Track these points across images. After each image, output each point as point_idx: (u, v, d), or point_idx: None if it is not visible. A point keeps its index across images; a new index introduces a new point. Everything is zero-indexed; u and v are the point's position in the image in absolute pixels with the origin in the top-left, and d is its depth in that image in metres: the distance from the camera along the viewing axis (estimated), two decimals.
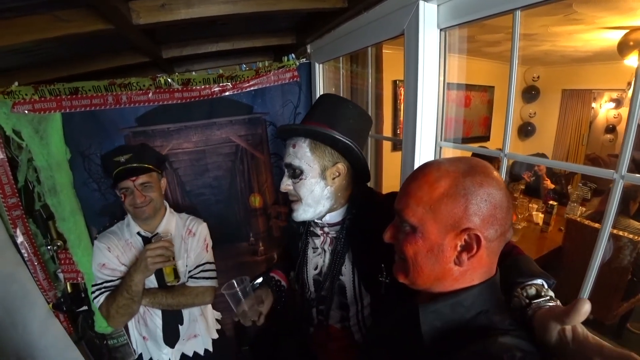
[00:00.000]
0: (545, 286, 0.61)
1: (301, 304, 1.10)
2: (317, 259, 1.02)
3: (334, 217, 0.96)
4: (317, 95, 1.76)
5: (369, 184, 1.04)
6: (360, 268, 0.93)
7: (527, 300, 0.57)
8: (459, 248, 0.54)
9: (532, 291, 0.58)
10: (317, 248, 1.02)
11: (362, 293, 0.95)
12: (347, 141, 0.87)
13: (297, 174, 0.90)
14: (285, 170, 0.93)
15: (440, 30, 1.04)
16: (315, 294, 1.03)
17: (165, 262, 1.20)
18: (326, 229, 0.98)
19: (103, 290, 1.25)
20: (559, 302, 0.56)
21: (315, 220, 0.99)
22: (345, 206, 0.96)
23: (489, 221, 0.52)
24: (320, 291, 1.01)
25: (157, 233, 1.30)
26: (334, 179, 0.91)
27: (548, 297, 0.56)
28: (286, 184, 0.93)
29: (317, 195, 0.90)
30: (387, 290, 0.87)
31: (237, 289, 0.95)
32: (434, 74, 1.06)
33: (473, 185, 0.53)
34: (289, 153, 0.91)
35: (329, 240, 0.99)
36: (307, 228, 1.05)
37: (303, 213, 0.92)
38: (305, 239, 1.05)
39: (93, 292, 1.27)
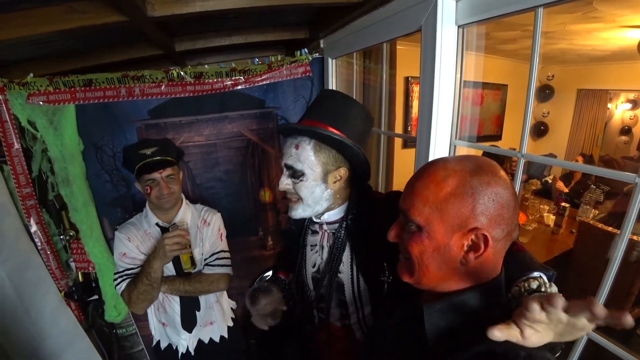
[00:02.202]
0: (545, 278, 0.60)
1: (301, 304, 1.10)
2: (315, 256, 1.01)
3: (332, 215, 0.95)
4: None
5: (379, 181, 1.02)
6: (361, 267, 0.92)
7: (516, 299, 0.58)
8: (465, 248, 0.53)
9: (517, 290, 0.59)
10: (316, 245, 1.00)
11: (360, 291, 0.93)
12: (355, 147, 0.85)
13: (297, 175, 0.87)
14: (285, 169, 0.90)
15: (458, 26, 1.02)
16: (314, 292, 1.02)
17: (182, 250, 1.24)
18: (325, 227, 0.97)
19: (125, 277, 1.31)
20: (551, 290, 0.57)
21: (314, 219, 0.98)
22: (344, 205, 0.95)
23: (497, 221, 0.52)
24: (319, 289, 1.00)
25: (174, 223, 1.33)
26: (335, 182, 0.89)
27: (533, 289, 0.57)
28: (285, 184, 0.90)
29: (317, 196, 0.89)
30: (390, 289, 0.86)
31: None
32: (450, 71, 1.04)
33: (480, 185, 0.52)
34: (291, 154, 0.87)
35: (326, 235, 0.97)
36: (305, 227, 1.04)
37: (302, 212, 0.91)
38: (304, 238, 1.04)
39: (115, 280, 1.33)
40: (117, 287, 1.31)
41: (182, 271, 1.34)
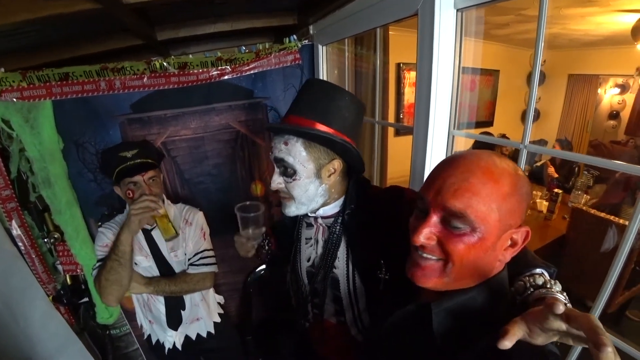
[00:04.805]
0: (547, 275, 0.60)
1: (296, 298, 1.08)
2: (310, 250, 0.98)
3: (328, 210, 0.92)
4: (321, 78, 1.68)
5: (374, 171, 0.99)
6: (356, 263, 0.90)
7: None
8: (506, 245, 0.54)
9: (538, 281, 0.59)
10: (311, 239, 0.98)
11: (356, 287, 0.91)
12: (345, 143, 0.81)
13: (289, 173, 0.83)
14: (275, 165, 0.86)
15: (457, 10, 0.96)
16: (309, 286, 1.01)
17: (150, 212, 1.18)
18: (320, 220, 0.95)
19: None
20: (559, 294, 0.55)
21: (309, 213, 0.95)
22: (340, 199, 0.91)
23: (525, 216, 0.55)
24: (314, 284, 0.98)
25: (156, 226, 1.30)
26: (329, 176, 0.86)
27: (539, 285, 0.57)
28: (277, 183, 0.86)
29: (311, 194, 0.85)
30: (385, 286, 0.83)
31: (252, 214, 1.01)
32: (449, 57, 0.99)
33: (524, 184, 0.53)
34: (281, 149, 0.83)
35: (321, 229, 0.95)
36: (300, 220, 1.01)
37: (296, 210, 0.88)
38: (298, 231, 1.01)
39: (93, 269, 1.29)
40: (93, 275, 1.28)
41: (166, 271, 1.34)
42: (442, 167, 0.55)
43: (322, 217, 0.93)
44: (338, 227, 0.91)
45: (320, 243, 0.95)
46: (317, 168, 0.84)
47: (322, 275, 0.94)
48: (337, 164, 0.85)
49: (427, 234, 0.54)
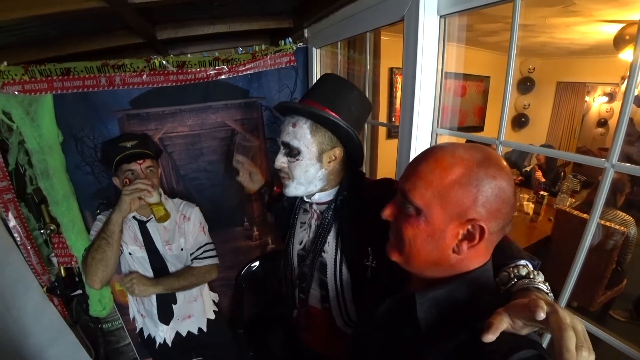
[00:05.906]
0: (531, 267, 0.62)
1: (285, 284, 1.13)
2: (303, 234, 1.04)
3: (323, 197, 0.98)
4: (314, 81, 1.73)
5: (364, 171, 1.05)
6: (345, 249, 0.95)
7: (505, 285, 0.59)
8: (460, 236, 0.54)
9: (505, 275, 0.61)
10: (305, 223, 1.04)
11: (342, 273, 0.96)
12: (349, 129, 0.88)
13: (293, 153, 0.90)
14: (281, 147, 0.94)
15: (440, 17, 1.03)
16: (298, 269, 1.05)
17: (139, 193, 1.21)
18: (314, 206, 1.00)
19: None
20: (542, 284, 0.57)
21: (305, 199, 1.01)
22: (336, 188, 0.98)
23: (495, 215, 0.52)
24: (302, 267, 1.02)
25: (152, 217, 1.33)
26: (329, 162, 0.92)
27: (522, 276, 0.59)
28: (281, 162, 0.93)
29: (310, 176, 0.92)
30: (373, 274, 0.88)
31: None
32: (432, 61, 1.06)
33: (486, 177, 0.51)
34: (288, 132, 0.91)
35: (315, 215, 1.00)
36: (297, 206, 1.07)
37: (294, 190, 0.94)
38: (295, 214, 1.07)
39: (84, 251, 1.30)
40: (82, 256, 1.29)
41: (158, 263, 1.37)
42: (415, 158, 0.61)
43: (317, 204, 0.99)
44: (330, 213, 0.96)
45: (313, 227, 1.01)
46: (320, 152, 0.90)
47: (311, 259, 0.99)
48: (338, 152, 0.92)
49: (389, 210, 0.61)
